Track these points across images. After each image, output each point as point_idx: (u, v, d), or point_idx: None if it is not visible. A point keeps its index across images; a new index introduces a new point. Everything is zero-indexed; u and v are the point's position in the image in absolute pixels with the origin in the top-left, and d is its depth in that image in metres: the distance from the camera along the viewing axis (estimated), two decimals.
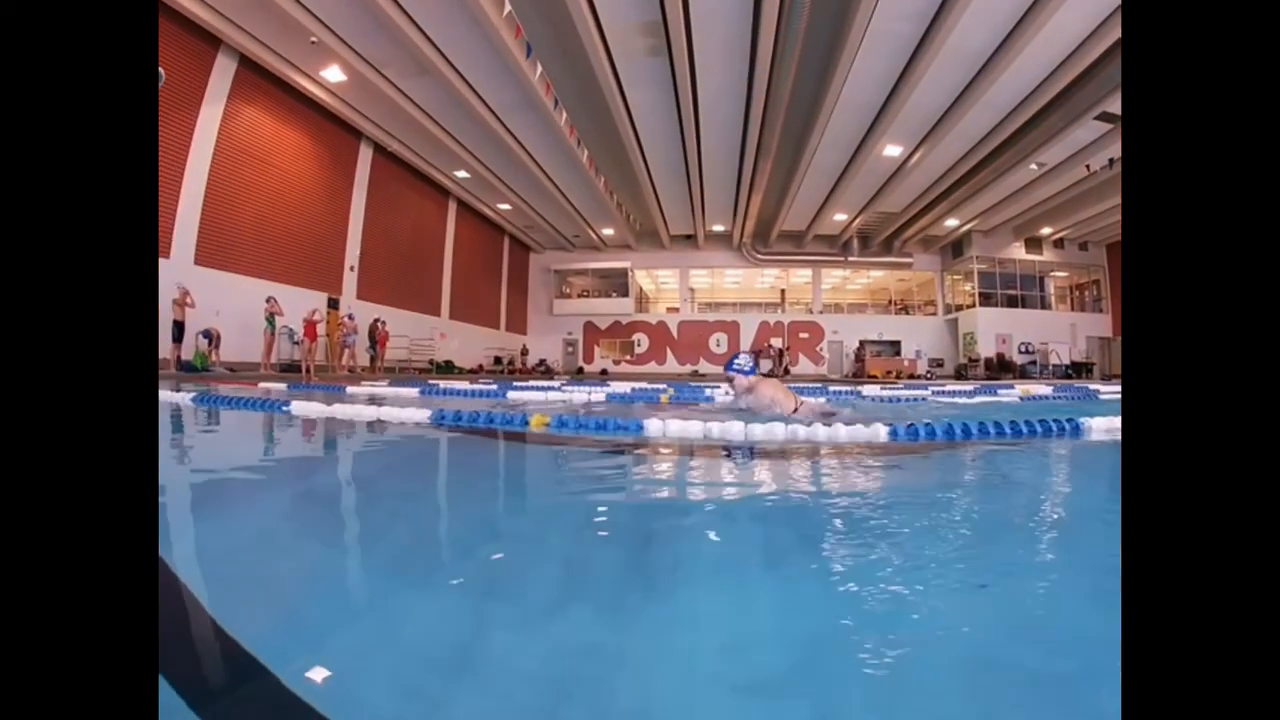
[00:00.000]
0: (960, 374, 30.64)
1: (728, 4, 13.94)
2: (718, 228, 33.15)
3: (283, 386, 9.92)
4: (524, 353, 34.72)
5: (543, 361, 35.48)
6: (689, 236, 34.78)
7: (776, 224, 31.15)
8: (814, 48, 14.93)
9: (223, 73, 16.08)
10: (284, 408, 5.65)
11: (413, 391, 9.41)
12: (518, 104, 18.44)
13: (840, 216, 30.13)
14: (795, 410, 4.76)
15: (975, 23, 13.83)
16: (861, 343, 34.24)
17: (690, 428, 3.88)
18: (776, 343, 35.65)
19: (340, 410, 5.38)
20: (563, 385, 11.15)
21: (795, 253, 35.45)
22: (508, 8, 13.11)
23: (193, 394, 6.23)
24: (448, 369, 25.55)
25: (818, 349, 36.50)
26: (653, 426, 3.98)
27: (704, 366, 35.85)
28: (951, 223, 30.22)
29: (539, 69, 15.49)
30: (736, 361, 5.13)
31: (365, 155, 22.29)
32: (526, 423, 4.20)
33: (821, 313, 37.19)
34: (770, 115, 18.39)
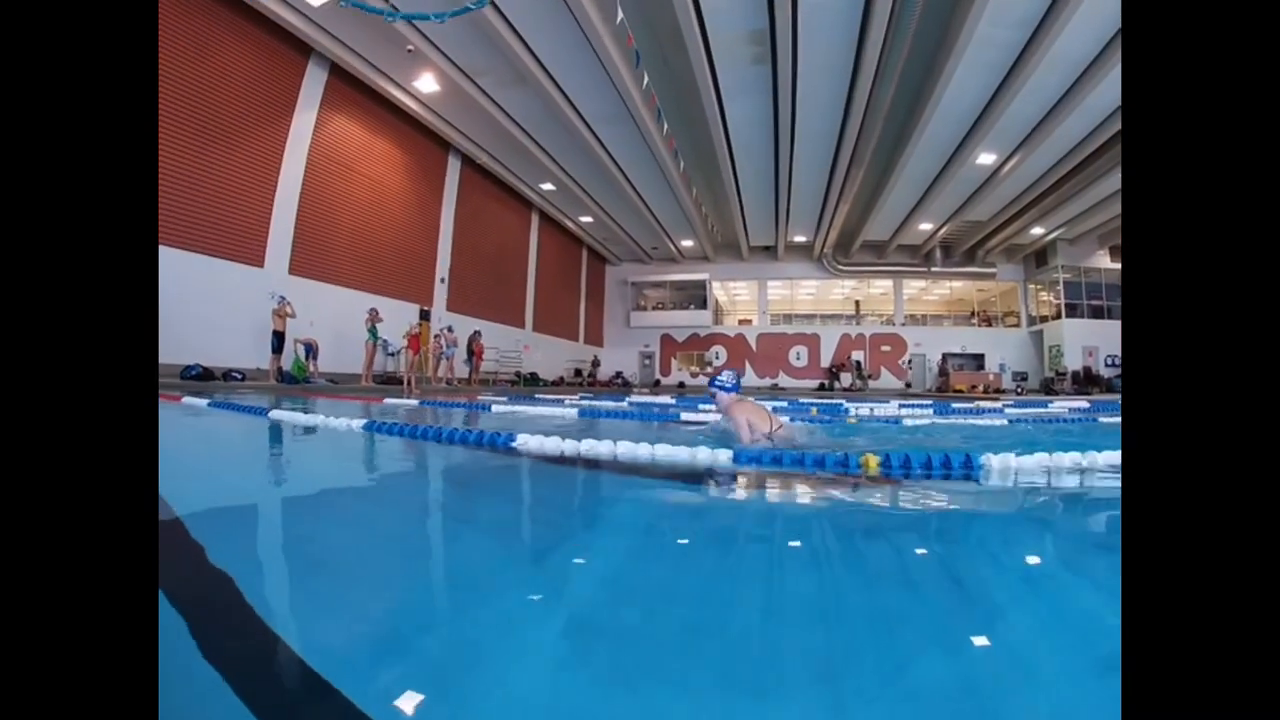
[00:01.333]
0: (1047, 388, 29.31)
1: (836, 11, 13.51)
2: (799, 238, 32.45)
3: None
4: (595, 364, 34.19)
5: (619, 374, 35.20)
6: (768, 248, 34.24)
7: (859, 234, 30.41)
8: (919, 55, 14.64)
9: (314, 81, 16.21)
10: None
11: (562, 411, 8.36)
12: (612, 115, 18.26)
13: (925, 226, 29.27)
14: (771, 434, 4.54)
15: (1081, 27, 13.20)
16: (945, 356, 32.90)
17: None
18: (857, 355, 34.67)
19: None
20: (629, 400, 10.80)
21: (877, 263, 34.50)
22: (620, 15, 12.87)
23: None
24: (533, 381, 25.46)
25: (900, 362, 35.30)
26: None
27: (783, 380, 35.17)
28: (1037, 231, 29.16)
29: (645, 79, 15.18)
30: (719, 379, 4.94)
31: (454, 167, 22.44)
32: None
33: (904, 325, 36.00)
34: (868, 124, 17.92)
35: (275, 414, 5.93)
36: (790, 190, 24.30)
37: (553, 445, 3.87)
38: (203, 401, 7.23)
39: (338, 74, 16.70)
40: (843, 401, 13.03)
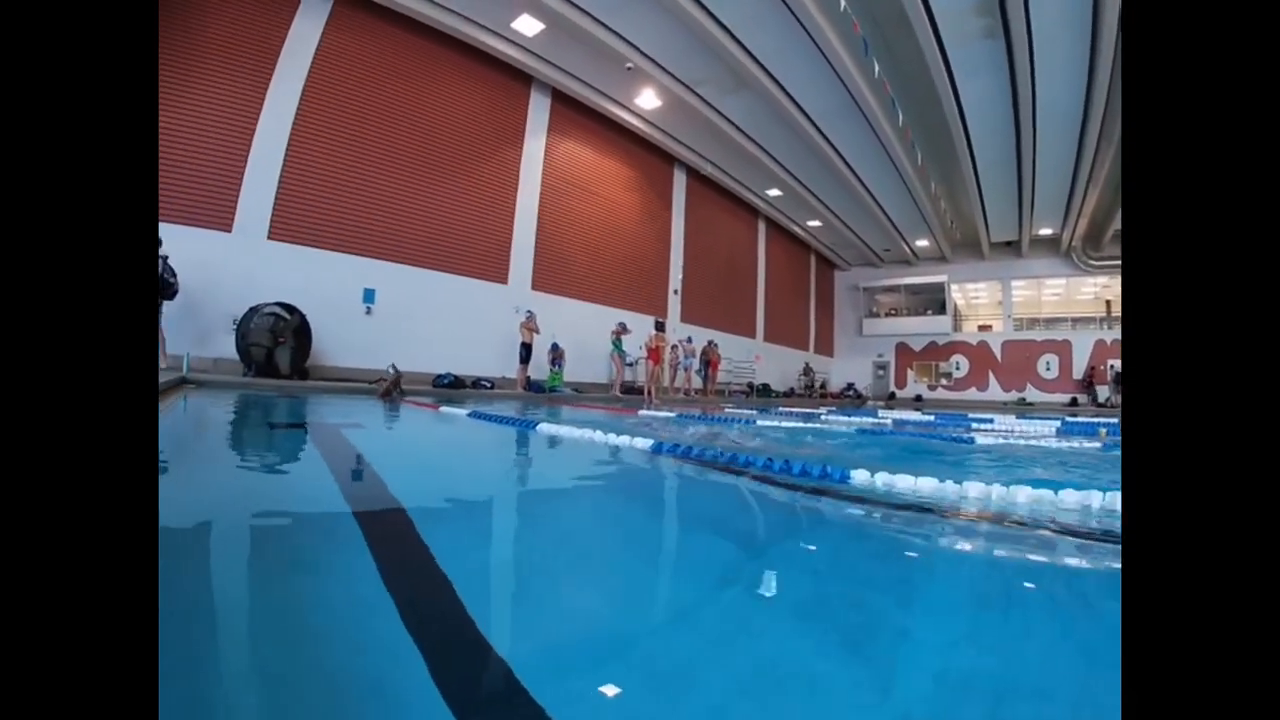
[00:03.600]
0: None
1: None
2: (1044, 231, 29.16)
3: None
4: (806, 372, 31.13)
5: (850, 385, 33.57)
6: (1010, 243, 31.14)
7: (1110, 223, 27.03)
8: None
9: (539, 108, 17.14)
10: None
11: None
12: (839, 110, 17.60)
13: None
14: None
15: None
16: None
17: None
18: (1114, 364, 30.29)
19: None
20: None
21: None
22: (842, 4, 12.34)
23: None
24: (765, 392, 25.02)
25: None
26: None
27: (1031, 393, 31.56)
28: None
29: (876, 68, 14.43)
30: None
31: (680, 179, 22.73)
32: None
33: None
34: (1116, 92, 15.83)
35: (543, 428, 5.78)
36: (1034, 176, 22.06)
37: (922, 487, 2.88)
38: (461, 411, 7.35)
39: (560, 99, 17.55)
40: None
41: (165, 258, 9.27)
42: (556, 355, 15.44)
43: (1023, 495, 2.70)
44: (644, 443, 4.36)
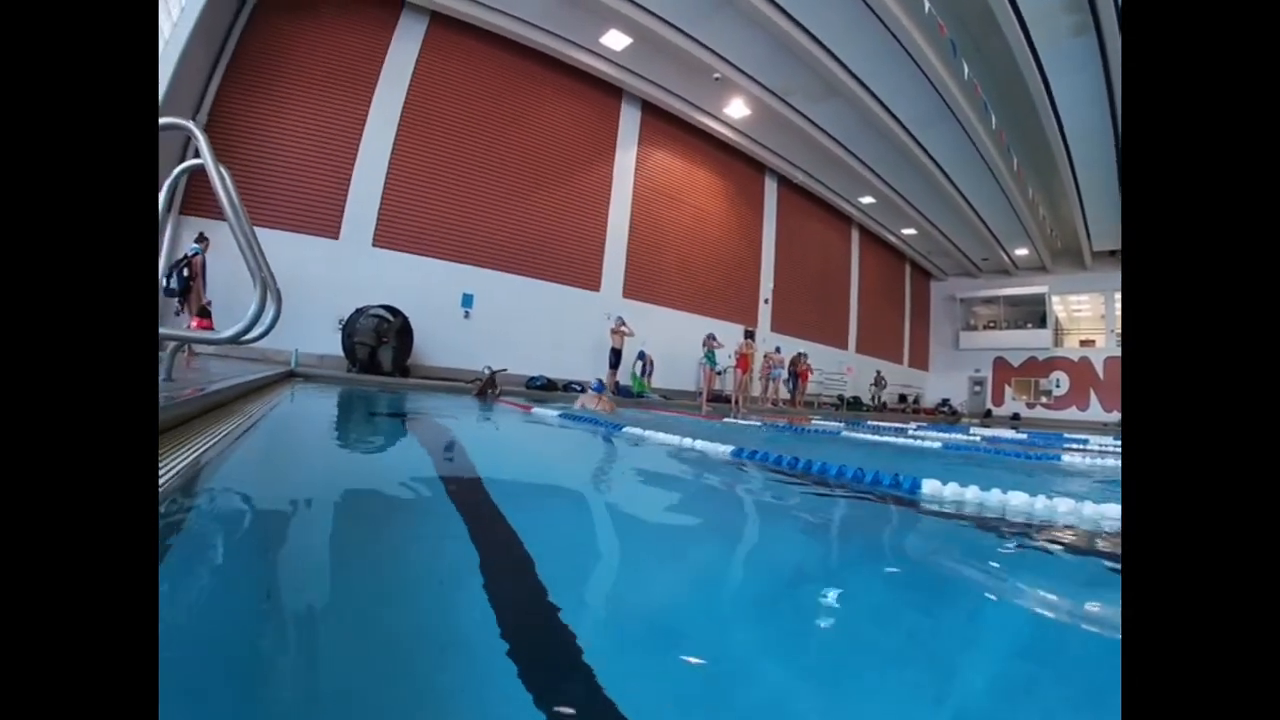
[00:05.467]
0: None
1: None
2: None
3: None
4: (877, 383, 27.77)
5: (945, 401, 32.27)
6: (1114, 253, 29.37)
7: None
8: None
9: (629, 120, 17.54)
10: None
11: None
12: (932, 115, 17.27)
13: None
14: None
15: None
16: None
17: None
18: None
19: None
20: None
21: None
22: (927, 6, 12.18)
23: None
24: (856, 405, 24.55)
25: None
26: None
27: None
28: None
29: (965, 70, 14.14)
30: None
31: (771, 188, 22.68)
32: None
33: None
34: None
35: (629, 430, 5.83)
36: None
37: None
38: (552, 413, 7.50)
39: (650, 111, 17.89)
40: None
41: (190, 256, 9.29)
42: (645, 364, 15.66)
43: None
44: (725, 448, 4.36)
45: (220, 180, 2.89)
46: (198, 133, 2.85)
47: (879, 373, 26.90)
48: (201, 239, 9.43)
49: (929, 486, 3.02)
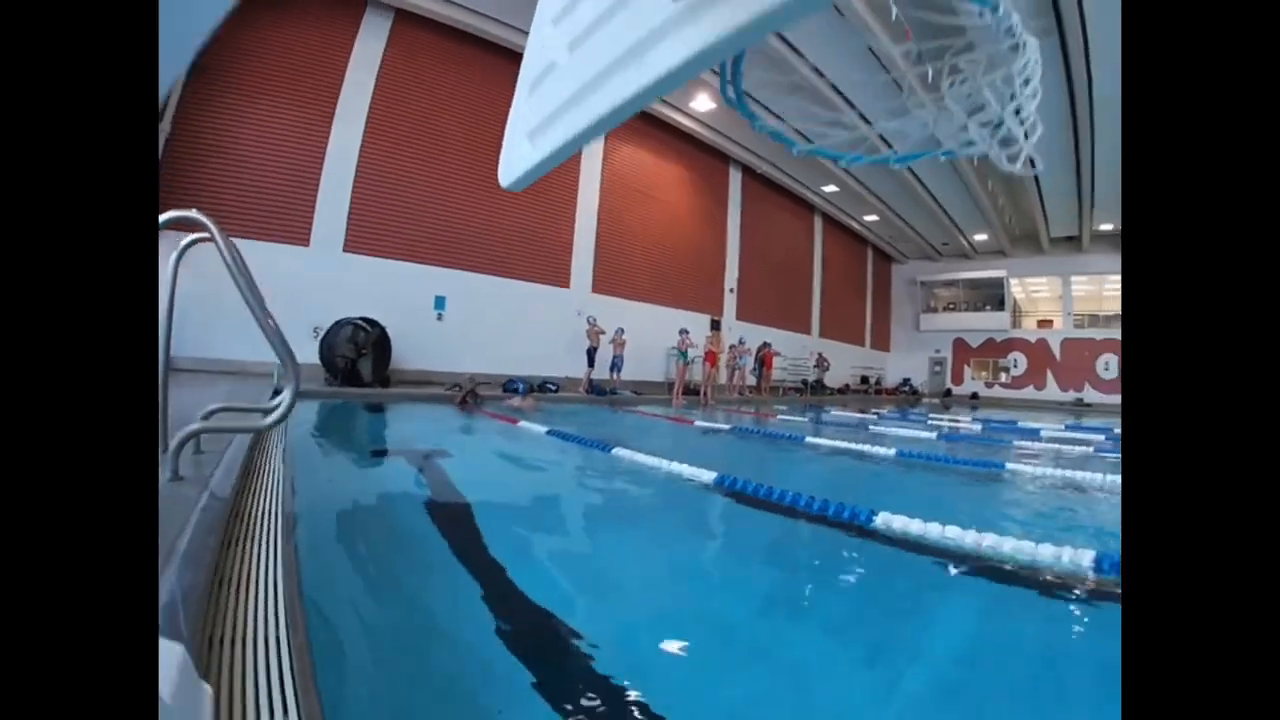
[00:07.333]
0: None
1: None
2: (1105, 227, 28.29)
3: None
4: (819, 364, 26.98)
5: (906, 381, 33.04)
6: (1070, 239, 30.32)
7: None
8: None
9: None
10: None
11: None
12: (895, 111, 17.32)
13: None
14: None
15: None
16: None
17: None
18: None
19: None
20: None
21: None
22: (894, 13, 12.44)
23: None
24: (819, 389, 24.99)
25: None
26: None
27: (1089, 394, 30.64)
28: None
29: (929, 72, 14.41)
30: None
31: (735, 179, 22.90)
32: None
33: None
34: None
35: (618, 451, 5.95)
36: (1094, 173, 21.69)
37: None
38: (540, 429, 7.65)
39: None
40: None
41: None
42: (617, 357, 15.70)
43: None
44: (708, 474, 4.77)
45: (233, 261, 2.92)
46: (209, 223, 2.91)
47: (820, 354, 27.13)
48: None
49: (881, 519, 3.55)
